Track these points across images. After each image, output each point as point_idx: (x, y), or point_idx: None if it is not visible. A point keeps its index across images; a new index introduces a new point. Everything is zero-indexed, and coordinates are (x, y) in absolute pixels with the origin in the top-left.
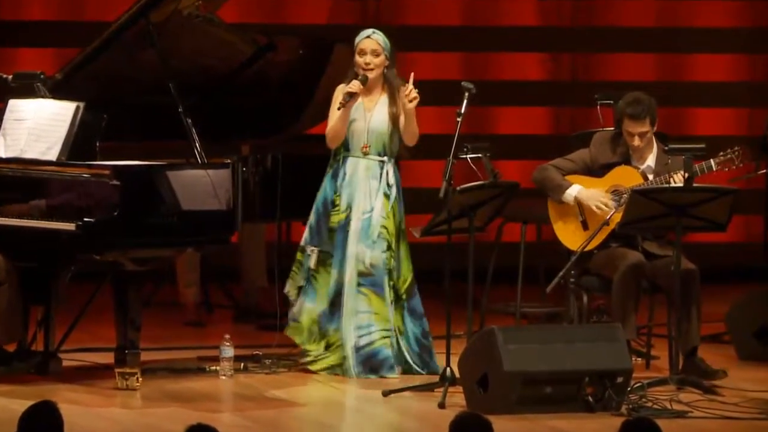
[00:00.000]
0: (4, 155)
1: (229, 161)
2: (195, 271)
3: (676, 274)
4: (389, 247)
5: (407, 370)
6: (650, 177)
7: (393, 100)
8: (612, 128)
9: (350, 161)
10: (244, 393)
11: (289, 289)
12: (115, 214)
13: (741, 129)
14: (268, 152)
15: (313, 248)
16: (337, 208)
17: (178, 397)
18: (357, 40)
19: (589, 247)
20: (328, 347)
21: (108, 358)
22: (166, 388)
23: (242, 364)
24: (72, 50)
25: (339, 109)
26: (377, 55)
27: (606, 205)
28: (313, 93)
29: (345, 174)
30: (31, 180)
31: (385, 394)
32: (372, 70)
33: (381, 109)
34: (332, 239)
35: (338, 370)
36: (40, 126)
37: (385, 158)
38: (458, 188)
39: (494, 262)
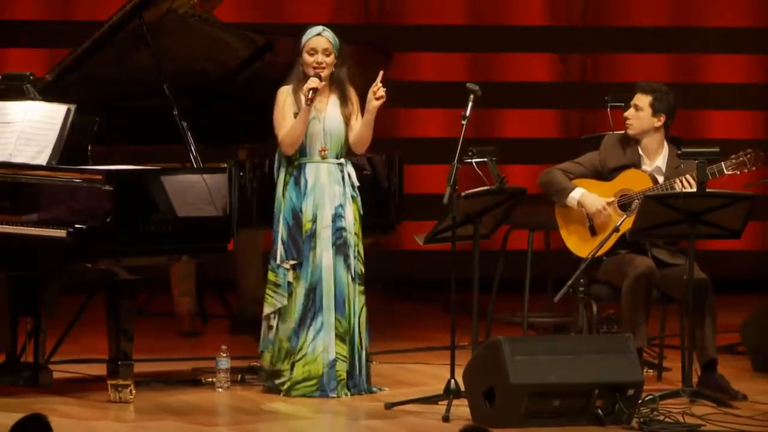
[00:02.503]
0: None
1: (225, 166)
2: (190, 279)
3: (689, 284)
4: (359, 252)
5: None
6: (660, 179)
7: (344, 100)
8: (623, 131)
9: (309, 167)
10: (241, 406)
11: (269, 312)
12: (108, 220)
13: (757, 132)
14: (265, 157)
15: (290, 263)
16: (303, 218)
17: (172, 410)
18: (306, 37)
19: (598, 254)
20: (293, 366)
21: (100, 369)
22: (160, 401)
23: (239, 376)
24: (62, 51)
25: (307, 104)
26: (328, 54)
27: (606, 215)
28: None
29: (306, 181)
30: (21, 185)
31: (388, 407)
32: (324, 69)
33: (333, 109)
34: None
35: (301, 390)
36: (29, 129)
37: (343, 160)
38: (463, 194)
39: (500, 270)
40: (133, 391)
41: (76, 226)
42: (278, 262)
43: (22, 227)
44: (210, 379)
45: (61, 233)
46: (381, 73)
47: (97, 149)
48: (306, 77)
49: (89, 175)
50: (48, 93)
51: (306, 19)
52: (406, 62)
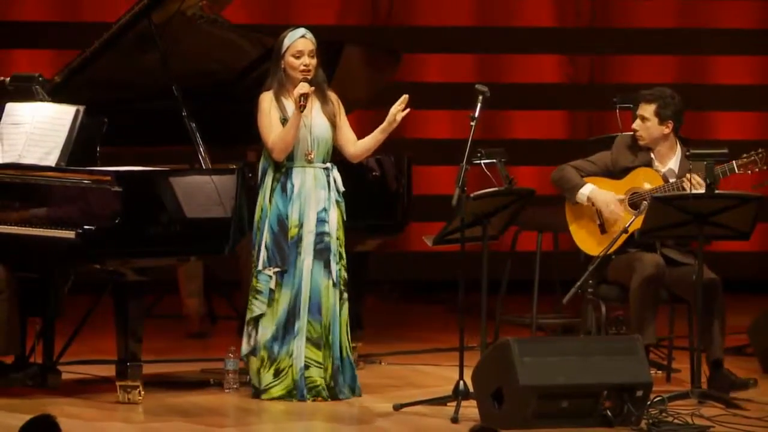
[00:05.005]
0: (1, 161)
1: (234, 167)
2: (197, 280)
3: (698, 285)
4: (341, 257)
5: (333, 395)
6: (671, 180)
7: (325, 99)
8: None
9: (296, 172)
10: (248, 407)
11: (250, 318)
12: (117, 221)
13: (764, 133)
14: None
15: (274, 270)
16: (289, 223)
17: (181, 411)
18: (289, 40)
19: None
20: (278, 374)
21: (109, 370)
22: (168, 402)
23: (247, 377)
24: (69, 52)
25: (300, 111)
26: (313, 56)
27: (616, 212)
28: None
29: (293, 186)
30: (30, 186)
31: (396, 408)
32: (310, 71)
33: (318, 113)
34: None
35: (291, 395)
36: (38, 130)
37: (329, 165)
38: (472, 195)
39: (509, 271)
40: (142, 392)
41: (85, 227)
42: (260, 268)
43: (31, 228)
44: (218, 380)
45: (69, 234)
46: (405, 96)
47: (106, 150)
48: (288, 81)
49: (98, 176)
50: (57, 94)
51: (313, 21)
52: (414, 63)
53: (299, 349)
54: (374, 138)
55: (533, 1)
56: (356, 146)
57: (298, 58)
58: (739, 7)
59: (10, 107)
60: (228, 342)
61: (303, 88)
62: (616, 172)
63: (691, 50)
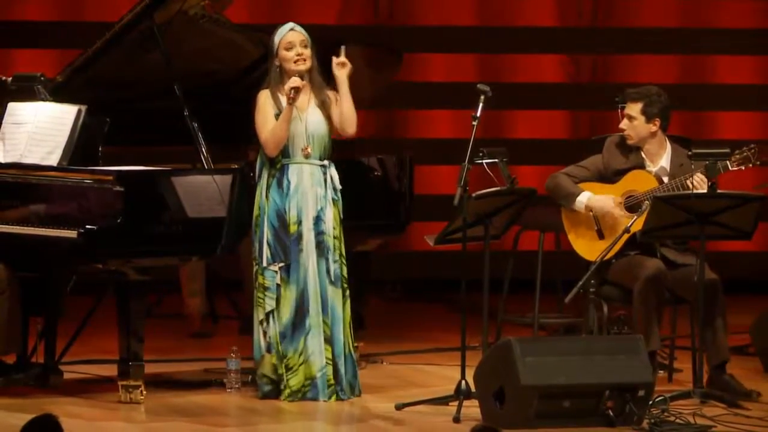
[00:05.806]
0: (3, 160)
1: (236, 167)
2: (199, 279)
3: (700, 285)
4: (340, 255)
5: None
6: (665, 179)
7: (322, 95)
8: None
9: (292, 168)
10: (251, 407)
11: (262, 317)
12: (118, 221)
13: (765, 133)
14: None
15: (279, 265)
16: (289, 219)
17: (183, 411)
18: (278, 36)
19: (607, 257)
20: (287, 370)
21: (111, 370)
22: (170, 402)
23: (249, 377)
24: (71, 51)
25: (290, 104)
26: (306, 46)
27: (615, 216)
28: None
29: (289, 183)
30: (32, 186)
31: (398, 407)
32: (305, 60)
33: (315, 109)
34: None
35: (300, 394)
36: (40, 130)
37: (326, 162)
38: (474, 195)
39: (511, 271)
40: (144, 392)
41: (87, 226)
42: (265, 265)
43: (33, 227)
44: (220, 380)
45: (71, 234)
46: (342, 47)
47: (108, 150)
48: (283, 77)
49: (100, 175)
50: (59, 94)
51: (314, 20)
52: (416, 63)
53: (318, 346)
54: (341, 100)
55: (535, 1)
56: (336, 119)
57: (289, 49)
58: (739, 7)
59: (12, 107)
60: (230, 342)
61: (294, 82)
62: (608, 175)
63: (693, 50)
